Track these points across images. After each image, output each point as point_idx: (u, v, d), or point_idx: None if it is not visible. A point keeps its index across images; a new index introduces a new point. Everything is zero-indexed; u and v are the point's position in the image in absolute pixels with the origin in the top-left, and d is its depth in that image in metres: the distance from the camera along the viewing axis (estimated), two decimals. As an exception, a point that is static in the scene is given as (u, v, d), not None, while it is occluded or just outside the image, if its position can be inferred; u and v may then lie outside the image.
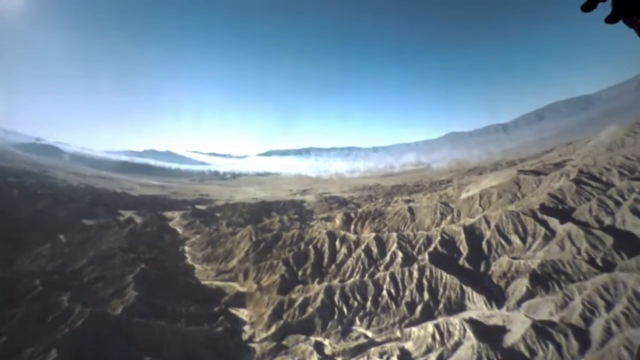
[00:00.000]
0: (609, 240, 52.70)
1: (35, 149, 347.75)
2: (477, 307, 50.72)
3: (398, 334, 48.39)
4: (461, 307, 51.66)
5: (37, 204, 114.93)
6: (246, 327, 55.51)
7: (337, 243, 75.04)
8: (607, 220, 58.76)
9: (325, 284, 60.54)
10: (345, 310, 54.52)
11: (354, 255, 69.33)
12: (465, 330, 43.54)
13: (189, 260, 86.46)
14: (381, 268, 64.04)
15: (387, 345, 45.90)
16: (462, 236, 65.21)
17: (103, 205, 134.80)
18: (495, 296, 51.97)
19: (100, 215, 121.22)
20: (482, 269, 59.18)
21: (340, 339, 49.58)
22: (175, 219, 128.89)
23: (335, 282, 61.77)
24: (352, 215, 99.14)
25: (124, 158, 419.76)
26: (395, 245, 67.80)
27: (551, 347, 38.50)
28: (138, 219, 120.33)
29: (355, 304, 55.27)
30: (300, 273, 68.93)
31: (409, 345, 45.38)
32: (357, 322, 52.95)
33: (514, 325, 43.86)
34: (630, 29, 3.24)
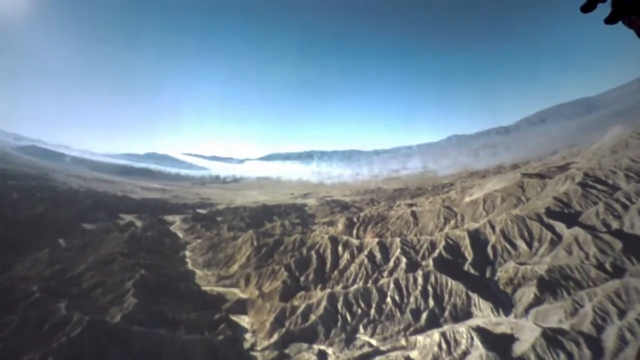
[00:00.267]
0: (617, 244, 51.56)
1: (35, 152, 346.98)
2: (484, 314, 49.51)
3: (403, 342, 47.14)
4: (467, 315, 50.44)
5: (37, 207, 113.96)
6: (247, 335, 54.33)
7: (340, 248, 73.92)
8: (615, 224, 57.68)
9: (328, 290, 59.37)
10: (348, 317, 53.29)
11: (357, 260, 68.15)
12: (472, 338, 42.36)
13: (190, 266, 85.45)
14: (385, 274, 62.83)
15: (392, 354, 44.75)
16: (467, 241, 64.09)
17: (103, 209, 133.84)
18: (502, 303, 50.76)
19: (101, 219, 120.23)
20: (487, 274, 58.00)
21: (344, 348, 48.39)
22: (176, 223, 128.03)
23: (338, 288, 60.55)
24: (355, 219, 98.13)
25: (125, 162, 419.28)
26: (398, 250, 66.65)
27: (562, 356, 37.34)
28: (139, 223, 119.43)
29: (359, 311, 54.02)
30: (302, 279, 67.75)
31: (414, 355, 44.16)
32: (361, 329, 51.67)
33: (522, 334, 42.67)
34: (629, 30, 3.24)
